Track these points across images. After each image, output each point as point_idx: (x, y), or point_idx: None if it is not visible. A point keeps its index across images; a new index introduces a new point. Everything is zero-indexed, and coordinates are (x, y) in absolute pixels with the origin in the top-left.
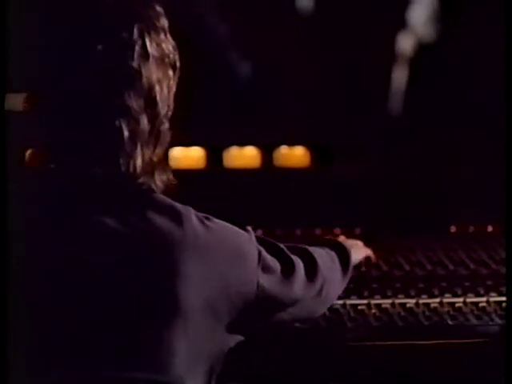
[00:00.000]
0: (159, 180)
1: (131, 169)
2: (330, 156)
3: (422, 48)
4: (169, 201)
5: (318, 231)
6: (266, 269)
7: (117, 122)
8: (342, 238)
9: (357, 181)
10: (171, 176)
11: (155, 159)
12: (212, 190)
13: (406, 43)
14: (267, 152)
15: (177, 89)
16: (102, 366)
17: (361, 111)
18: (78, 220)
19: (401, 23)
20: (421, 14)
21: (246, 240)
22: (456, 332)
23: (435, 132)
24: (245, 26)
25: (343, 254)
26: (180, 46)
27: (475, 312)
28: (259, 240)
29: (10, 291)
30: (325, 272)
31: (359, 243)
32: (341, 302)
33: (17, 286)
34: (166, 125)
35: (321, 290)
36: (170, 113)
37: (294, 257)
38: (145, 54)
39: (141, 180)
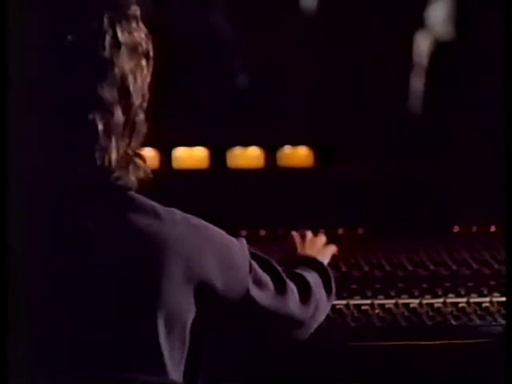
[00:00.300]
0: (134, 175)
1: (106, 163)
2: (334, 156)
3: (430, 48)
4: (150, 203)
5: (321, 231)
6: (257, 282)
7: (90, 115)
8: (309, 235)
9: (360, 181)
10: (148, 171)
11: (130, 152)
12: (215, 190)
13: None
14: (271, 152)
15: (180, 90)
16: (92, 366)
17: (364, 111)
18: (57, 220)
19: (406, 23)
20: (438, 14)
21: (237, 247)
22: (459, 332)
23: (438, 132)
24: (248, 26)
25: (326, 277)
26: (183, 46)
27: (478, 312)
28: (252, 255)
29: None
30: (317, 296)
31: (323, 241)
32: (344, 302)
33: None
34: (142, 116)
35: (314, 313)
36: (145, 104)
37: (287, 279)
38: (116, 44)
39: (116, 174)
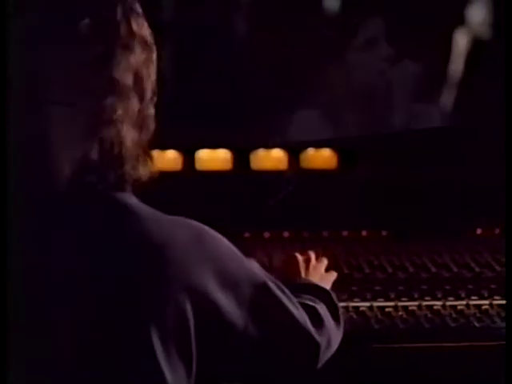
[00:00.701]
0: (139, 172)
1: (123, 151)
2: (357, 158)
3: (467, 48)
4: (151, 210)
5: (344, 233)
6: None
7: (109, 99)
8: (312, 259)
9: (383, 183)
10: (153, 170)
11: (139, 147)
12: (239, 191)
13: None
14: (294, 154)
15: (204, 92)
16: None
17: (388, 114)
18: (57, 218)
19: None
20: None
21: (243, 261)
22: (482, 334)
23: (466, 134)
24: (268, 26)
25: (334, 309)
26: (204, 48)
27: (501, 314)
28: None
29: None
30: (328, 327)
31: (325, 265)
32: (367, 304)
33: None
34: (152, 110)
35: (327, 344)
36: (155, 98)
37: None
38: (131, 33)
39: (125, 167)
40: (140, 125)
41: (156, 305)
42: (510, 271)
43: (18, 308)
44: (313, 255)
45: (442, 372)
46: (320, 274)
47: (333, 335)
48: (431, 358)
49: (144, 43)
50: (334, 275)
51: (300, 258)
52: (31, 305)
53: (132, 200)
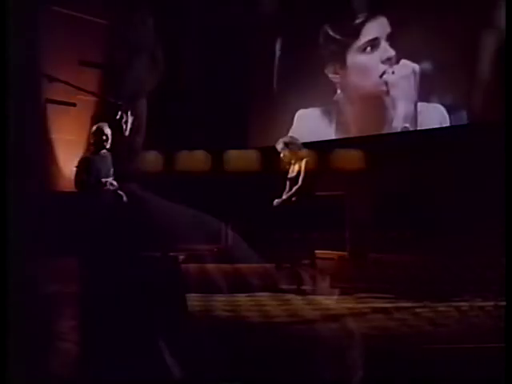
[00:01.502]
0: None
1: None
2: (383, 159)
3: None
4: (159, 199)
5: (371, 234)
6: None
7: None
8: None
9: (410, 184)
10: (141, 168)
11: (137, 148)
12: (270, 191)
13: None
14: (322, 154)
15: (232, 97)
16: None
17: (414, 119)
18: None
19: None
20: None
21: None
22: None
23: (488, 135)
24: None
25: None
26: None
27: None
28: None
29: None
30: None
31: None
32: (391, 305)
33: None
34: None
35: None
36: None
37: None
38: (152, 43)
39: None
40: (140, 128)
41: (163, 293)
42: (510, 272)
43: (19, 309)
44: None
45: (471, 372)
46: None
47: None
48: (457, 359)
49: (159, 53)
50: None
51: None
52: (32, 307)
53: (135, 187)
